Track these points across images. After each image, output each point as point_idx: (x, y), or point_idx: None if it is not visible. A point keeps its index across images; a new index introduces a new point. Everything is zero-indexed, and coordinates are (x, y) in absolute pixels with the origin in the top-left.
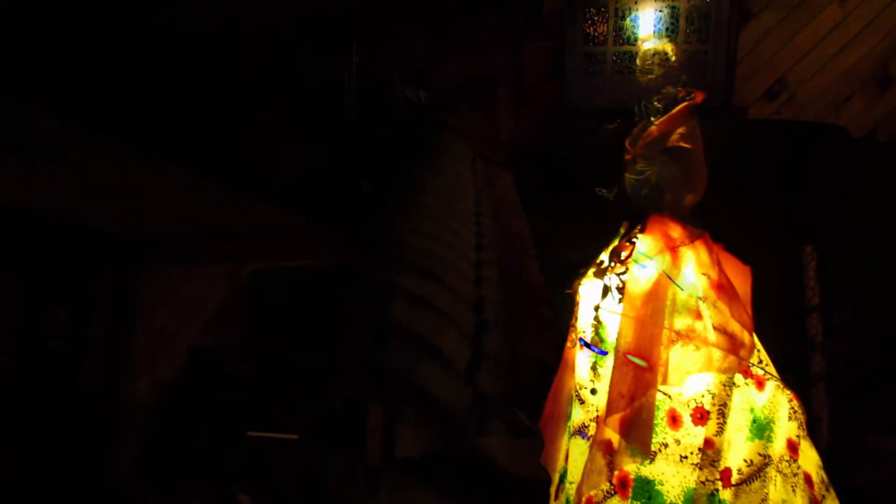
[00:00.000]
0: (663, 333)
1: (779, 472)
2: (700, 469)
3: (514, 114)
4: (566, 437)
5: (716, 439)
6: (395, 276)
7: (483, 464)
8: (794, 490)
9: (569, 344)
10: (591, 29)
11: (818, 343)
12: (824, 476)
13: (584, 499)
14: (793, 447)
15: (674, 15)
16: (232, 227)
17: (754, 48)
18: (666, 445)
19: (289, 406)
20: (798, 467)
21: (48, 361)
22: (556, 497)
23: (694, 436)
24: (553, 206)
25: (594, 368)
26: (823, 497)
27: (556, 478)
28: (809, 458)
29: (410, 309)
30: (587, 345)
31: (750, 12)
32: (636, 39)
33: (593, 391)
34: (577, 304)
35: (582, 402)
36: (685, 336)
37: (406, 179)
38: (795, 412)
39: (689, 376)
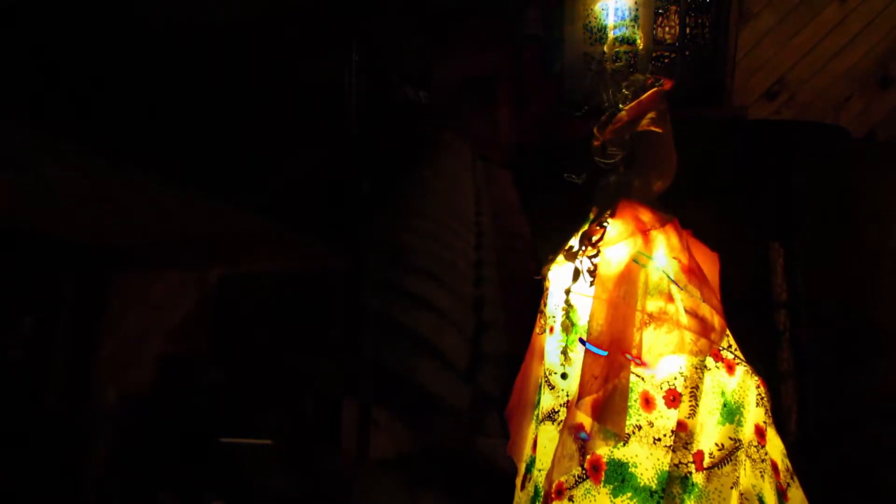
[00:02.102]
0: (636, 316)
1: (748, 457)
2: (673, 452)
3: (514, 114)
4: (533, 424)
5: (688, 422)
6: (395, 276)
7: (483, 464)
8: (762, 476)
9: (537, 330)
10: (591, 28)
11: (786, 339)
12: (789, 464)
13: (554, 485)
14: (760, 433)
15: (673, 14)
16: (199, 233)
17: (754, 48)
18: (639, 428)
19: (264, 410)
20: (766, 453)
21: (12, 371)
22: (523, 487)
23: (667, 418)
24: (553, 206)
25: (565, 353)
26: (788, 485)
27: (521, 468)
28: (775, 446)
29: (410, 309)
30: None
31: (750, 12)
32: (636, 39)
33: (564, 375)
34: (546, 289)
35: (552, 387)
36: (657, 318)
37: (406, 179)
38: (763, 398)
39: (661, 358)
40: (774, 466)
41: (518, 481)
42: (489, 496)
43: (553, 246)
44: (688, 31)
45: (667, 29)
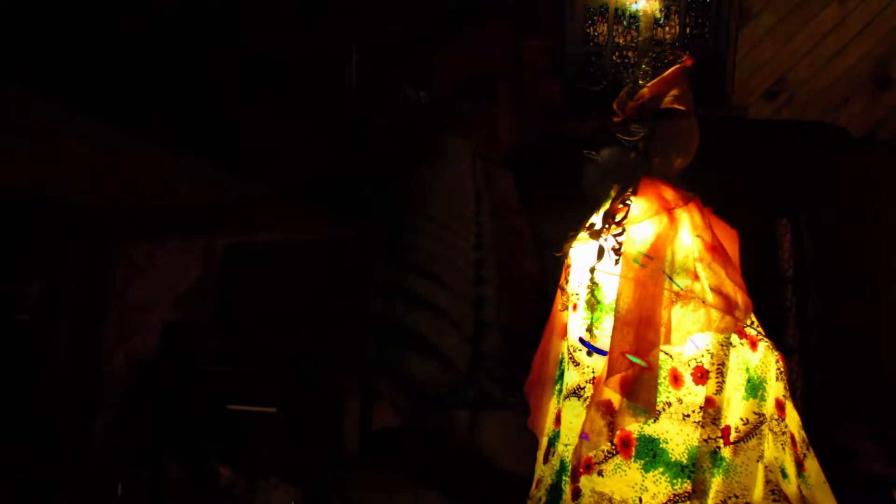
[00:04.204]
0: (664, 294)
1: (770, 430)
2: (702, 427)
3: (515, 113)
4: (556, 399)
5: (716, 398)
6: (395, 276)
7: (483, 464)
8: (783, 448)
9: (558, 307)
10: (591, 28)
11: (792, 315)
12: (804, 436)
13: (582, 460)
14: (780, 406)
15: (673, 14)
16: (206, 201)
17: (754, 48)
18: (669, 404)
19: (268, 380)
20: (786, 426)
21: (20, 336)
22: (546, 461)
23: (695, 395)
24: (553, 206)
25: (590, 330)
26: (805, 456)
27: (543, 441)
28: (793, 419)
29: (410, 309)
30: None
31: (750, 12)
32: (636, 39)
33: (589, 353)
34: (568, 266)
35: (576, 363)
36: (684, 297)
37: (406, 179)
38: (781, 372)
39: (690, 336)
40: (793, 438)
41: (540, 455)
42: (489, 495)
43: (555, 238)
44: (688, 31)
45: (667, 29)
